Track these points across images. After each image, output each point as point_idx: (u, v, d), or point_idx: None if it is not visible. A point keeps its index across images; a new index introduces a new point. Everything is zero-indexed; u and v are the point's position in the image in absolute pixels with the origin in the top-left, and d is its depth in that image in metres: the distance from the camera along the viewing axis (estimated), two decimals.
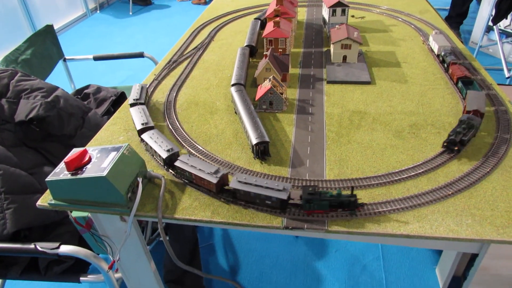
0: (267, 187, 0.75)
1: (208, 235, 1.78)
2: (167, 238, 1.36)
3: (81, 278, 1.12)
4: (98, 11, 5.26)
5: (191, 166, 0.82)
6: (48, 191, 0.83)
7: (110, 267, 0.83)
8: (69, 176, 0.74)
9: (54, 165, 1.27)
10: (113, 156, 0.77)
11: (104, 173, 0.72)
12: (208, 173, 0.79)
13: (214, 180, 0.78)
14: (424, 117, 1.03)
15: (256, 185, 0.75)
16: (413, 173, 0.84)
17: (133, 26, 4.68)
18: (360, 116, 1.06)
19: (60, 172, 0.76)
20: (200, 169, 0.80)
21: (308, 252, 1.66)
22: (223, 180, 0.80)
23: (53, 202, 0.79)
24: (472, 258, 0.80)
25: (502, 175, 0.82)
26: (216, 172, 0.79)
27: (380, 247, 1.66)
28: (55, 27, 1.91)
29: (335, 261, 1.61)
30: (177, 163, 0.83)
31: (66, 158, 0.75)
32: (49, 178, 0.76)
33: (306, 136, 0.99)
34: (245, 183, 0.76)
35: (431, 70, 1.27)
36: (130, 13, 5.13)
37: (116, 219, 0.85)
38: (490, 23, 3.05)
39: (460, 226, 0.71)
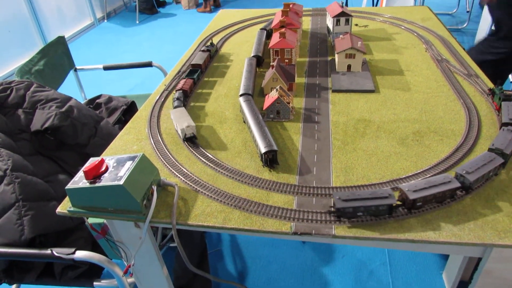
0: None
1: (216, 241, 1.81)
2: None
3: (94, 283, 1.15)
4: (105, 20, 5.35)
5: None
6: (67, 198, 0.87)
7: (125, 272, 0.86)
8: (87, 185, 0.78)
9: (68, 173, 1.31)
10: (129, 165, 0.80)
11: (121, 182, 0.76)
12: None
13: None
14: (427, 125, 1.06)
15: None
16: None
17: (140, 34, 4.76)
18: (365, 124, 1.09)
19: (79, 181, 0.80)
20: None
21: (315, 258, 1.68)
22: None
23: (72, 209, 0.83)
24: (478, 263, 0.83)
25: (503, 180, 0.84)
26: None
27: (386, 252, 1.68)
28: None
29: (342, 266, 1.63)
30: None
31: (85, 167, 0.79)
32: (68, 186, 0.79)
33: (313, 144, 1.02)
34: None
35: (434, 77, 1.29)
36: (137, 22, 5.22)
37: (130, 225, 0.88)
38: (493, 28, 3.07)
39: (462, 230, 0.73)
